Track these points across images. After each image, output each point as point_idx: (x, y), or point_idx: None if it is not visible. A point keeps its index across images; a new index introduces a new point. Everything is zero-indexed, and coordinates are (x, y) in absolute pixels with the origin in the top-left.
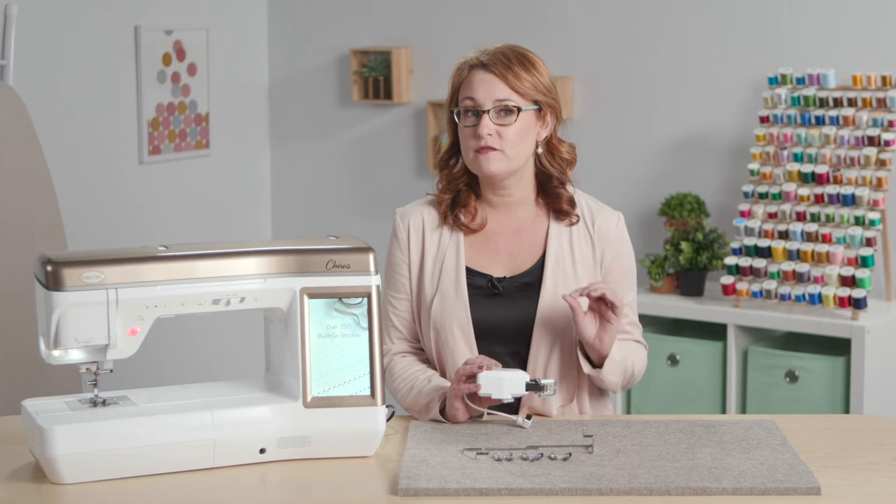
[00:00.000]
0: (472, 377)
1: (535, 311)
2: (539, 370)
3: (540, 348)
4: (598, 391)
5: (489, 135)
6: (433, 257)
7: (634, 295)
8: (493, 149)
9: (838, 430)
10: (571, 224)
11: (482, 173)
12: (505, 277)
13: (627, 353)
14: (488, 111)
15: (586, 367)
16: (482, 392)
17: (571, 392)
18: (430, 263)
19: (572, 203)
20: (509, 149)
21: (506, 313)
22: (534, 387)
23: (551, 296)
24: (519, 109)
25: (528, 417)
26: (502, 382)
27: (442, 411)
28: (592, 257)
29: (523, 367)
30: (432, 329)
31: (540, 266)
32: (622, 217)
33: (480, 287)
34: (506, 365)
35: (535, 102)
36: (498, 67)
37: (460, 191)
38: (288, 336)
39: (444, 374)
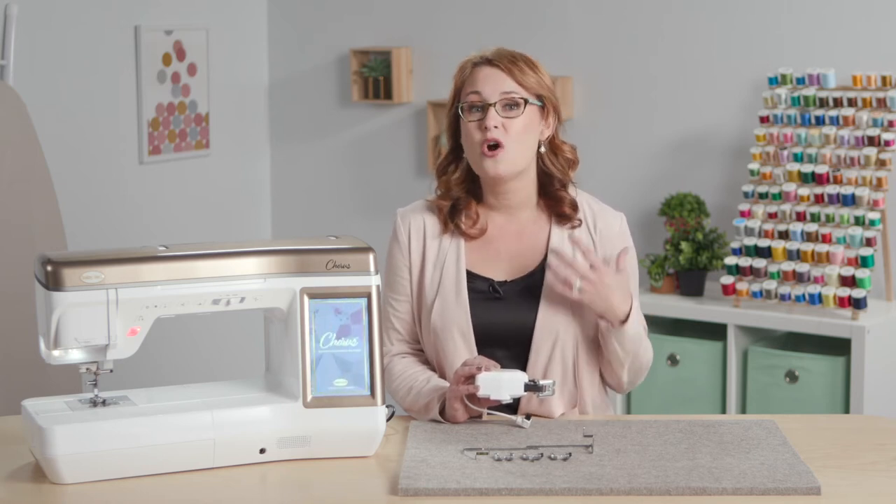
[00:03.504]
0: (470, 378)
1: (535, 315)
2: (539, 374)
3: (540, 353)
4: (600, 395)
5: (495, 127)
6: (434, 260)
7: (637, 295)
8: (499, 145)
9: (838, 430)
10: (573, 227)
11: (488, 175)
12: (506, 281)
13: (640, 333)
14: (494, 104)
15: (605, 326)
16: (481, 393)
17: (573, 397)
18: (430, 266)
19: (574, 206)
20: (514, 143)
21: (506, 317)
22: (532, 387)
23: (552, 299)
24: (526, 102)
25: (528, 417)
26: (501, 383)
27: (441, 412)
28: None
29: (523, 370)
30: (432, 333)
31: (541, 270)
32: (624, 218)
33: (481, 291)
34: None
35: (539, 98)
36: (503, 62)
37: (459, 197)
38: (288, 336)
39: (443, 377)
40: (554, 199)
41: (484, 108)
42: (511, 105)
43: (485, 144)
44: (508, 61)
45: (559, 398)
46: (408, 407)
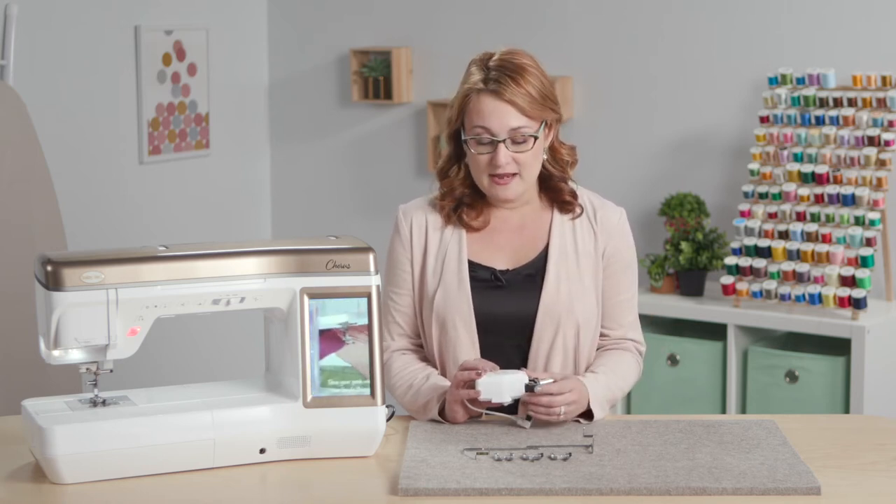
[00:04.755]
0: (470, 381)
1: (537, 302)
2: (541, 362)
3: (542, 340)
4: None
5: (507, 163)
6: (435, 252)
7: (635, 291)
8: (512, 175)
9: (838, 430)
10: (575, 217)
11: (500, 200)
12: (508, 269)
13: (612, 383)
14: (504, 141)
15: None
16: (482, 397)
17: None
18: (432, 258)
19: (573, 195)
20: (525, 171)
21: (508, 305)
22: (533, 388)
23: (554, 287)
24: (535, 138)
25: (528, 418)
26: (502, 387)
27: (441, 412)
28: (595, 249)
29: (525, 358)
30: (434, 322)
31: (543, 258)
32: (624, 213)
33: (483, 279)
34: (507, 358)
35: (544, 120)
36: (507, 94)
37: (463, 195)
38: (288, 336)
39: (444, 370)
40: (554, 190)
41: (493, 143)
42: (520, 139)
43: (496, 174)
44: (512, 91)
45: None
46: (406, 404)
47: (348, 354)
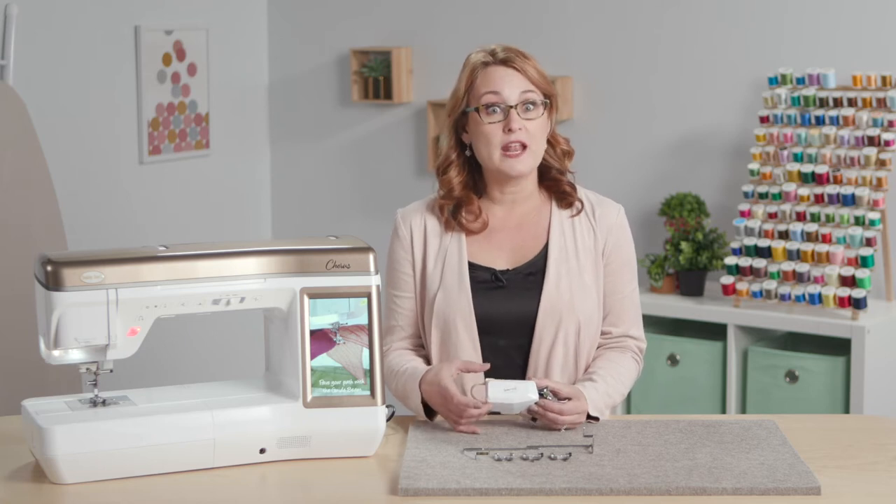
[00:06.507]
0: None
1: (538, 301)
2: (542, 361)
3: (543, 339)
4: None
5: (520, 129)
6: (435, 254)
7: (635, 287)
8: (524, 146)
9: (838, 430)
10: (577, 213)
11: (510, 175)
12: (508, 270)
13: (611, 389)
14: (515, 106)
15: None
16: (498, 410)
17: (572, 382)
18: (432, 260)
19: (573, 187)
20: (534, 144)
21: (509, 305)
22: (543, 394)
23: (554, 285)
24: (545, 104)
25: (534, 420)
26: (512, 406)
27: (427, 408)
28: (594, 246)
29: (526, 357)
30: (435, 324)
31: (543, 256)
32: (623, 209)
33: (484, 280)
34: (509, 359)
35: (546, 96)
36: (516, 62)
37: (461, 197)
38: (288, 336)
39: None
40: (552, 180)
41: (504, 109)
42: (530, 106)
43: (508, 146)
44: (520, 61)
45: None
46: (393, 392)
47: (339, 355)
